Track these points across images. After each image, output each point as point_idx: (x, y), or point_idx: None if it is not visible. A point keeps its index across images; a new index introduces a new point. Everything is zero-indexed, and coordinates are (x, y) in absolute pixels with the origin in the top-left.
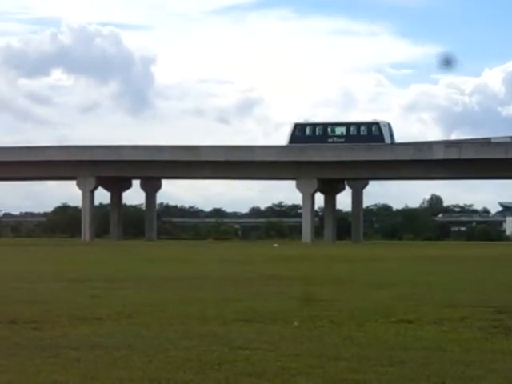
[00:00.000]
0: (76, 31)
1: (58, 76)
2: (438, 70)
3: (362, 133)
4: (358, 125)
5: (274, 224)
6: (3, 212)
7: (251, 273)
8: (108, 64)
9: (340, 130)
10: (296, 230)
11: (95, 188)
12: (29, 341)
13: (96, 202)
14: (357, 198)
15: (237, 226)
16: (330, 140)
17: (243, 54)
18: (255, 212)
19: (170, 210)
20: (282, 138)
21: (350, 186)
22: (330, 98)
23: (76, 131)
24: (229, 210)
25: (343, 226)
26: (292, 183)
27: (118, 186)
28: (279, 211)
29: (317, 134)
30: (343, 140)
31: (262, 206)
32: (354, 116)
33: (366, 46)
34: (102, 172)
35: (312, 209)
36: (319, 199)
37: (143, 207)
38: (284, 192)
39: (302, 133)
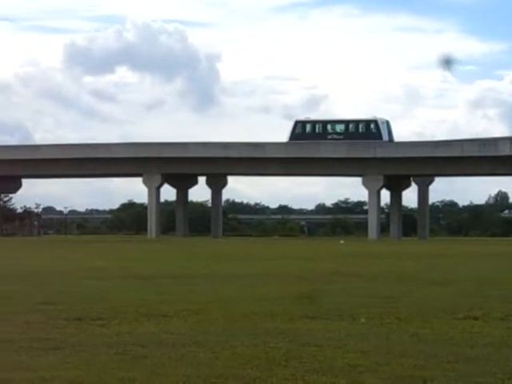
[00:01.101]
0: (141, 28)
1: (122, 73)
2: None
3: (360, 130)
4: (357, 122)
5: (339, 221)
6: (69, 209)
7: (318, 269)
8: (173, 61)
9: (339, 128)
10: (362, 227)
11: (161, 185)
12: (95, 338)
13: (161, 199)
14: (423, 195)
15: (303, 223)
16: (330, 137)
17: (308, 50)
18: (321, 208)
19: (235, 207)
20: None
21: (416, 183)
22: (395, 95)
23: (141, 128)
24: (295, 206)
25: (409, 223)
26: (358, 179)
27: (183, 182)
28: (345, 208)
29: (316, 131)
30: (342, 137)
31: (328, 203)
32: (420, 112)
33: (432, 42)
34: (168, 169)
35: (378, 205)
36: (385, 196)
37: (209, 204)
38: (350, 188)
39: (302, 130)
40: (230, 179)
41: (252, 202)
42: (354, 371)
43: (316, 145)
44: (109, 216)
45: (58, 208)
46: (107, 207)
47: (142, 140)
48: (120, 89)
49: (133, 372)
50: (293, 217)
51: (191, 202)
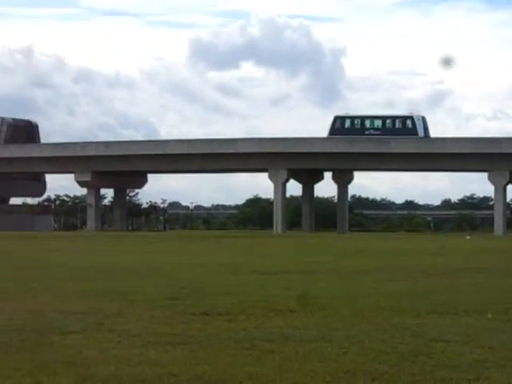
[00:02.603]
0: (265, 23)
1: (247, 68)
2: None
3: (396, 126)
4: (394, 118)
5: (465, 216)
6: (195, 204)
7: (444, 265)
8: (298, 56)
9: (377, 123)
10: (488, 223)
11: (287, 180)
12: (223, 332)
13: (287, 194)
14: None
15: (429, 219)
16: (367, 132)
17: (432, 45)
18: (447, 204)
19: (361, 202)
20: (473, 129)
21: None
22: None
23: (266, 123)
24: (421, 202)
25: None
26: (483, 175)
27: (309, 177)
28: (471, 203)
29: (355, 126)
30: (379, 133)
31: (454, 198)
32: None
33: None
34: (293, 164)
35: (504, 201)
36: (511, 191)
37: (335, 199)
38: (475, 184)
39: (341, 125)
40: (356, 174)
41: (378, 198)
42: (482, 366)
43: (441, 140)
44: (234, 211)
45: (184, 203)
46: (233, 202)
47: (266, 135)
48: (245, 84)
49: (261, 367)
50: (419, 212)
51: (317, 198)
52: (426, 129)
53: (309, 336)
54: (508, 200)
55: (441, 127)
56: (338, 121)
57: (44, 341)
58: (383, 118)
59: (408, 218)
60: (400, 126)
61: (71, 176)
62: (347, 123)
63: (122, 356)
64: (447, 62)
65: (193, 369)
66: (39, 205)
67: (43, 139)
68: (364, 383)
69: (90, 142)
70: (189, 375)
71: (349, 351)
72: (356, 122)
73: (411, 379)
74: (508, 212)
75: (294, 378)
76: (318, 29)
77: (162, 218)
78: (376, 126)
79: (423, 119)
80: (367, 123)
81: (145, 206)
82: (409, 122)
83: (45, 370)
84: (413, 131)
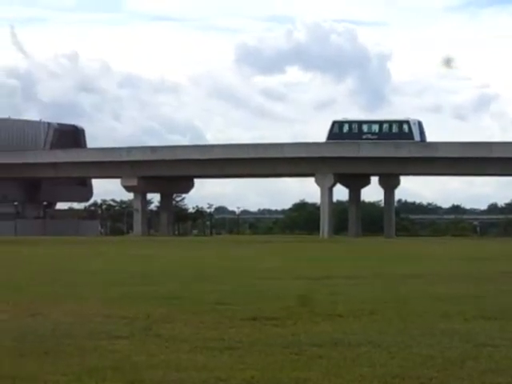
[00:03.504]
0: (311, 28)
1: (293, 73)
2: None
3: (393, 130)
4: (390, 123)
5: None
6: (241, 209)
7: (492, 270)
8: (343, 60)
9: (374, 128)
10: None
11: (334, 185)
12: (270, 337)
13: (333, 199)
14: None
15: (475, 223)
16: (365, 137)
17: (479, 50)
18: (493, 208)
19: (407, 207)
20: None
21: None
22: None
23: (311, 128)
24: (467, 206)
25: None
26: None
27: (356, 182)
28: None
29: (353, 131)
30: (376, 137)
31: (500, 202)
32: None
33: None
34: (340, 169)
35: None
36: None
37: (381, 204)
38: None
39: (339, 130)
40: (403, 179)
41: (424, 202)
42: None
43: (488, 144)
44: (281, 216)
45: (230, 208)
46: (279, 207)
47: (312, 139)
48: (290, 88)
49: (309, 372)
50: (465, 217)
51: (363, 202)
52: (422, 133)
53: (357, 341)
54: None
55: (487, 131)
56: (336, 125)
57: (92, 345)
58: (380, 123)
59: (454, 222)
60: (397, 130)
61: (117, 181)
62: (345, 128)
63: (170, 361)
64: (448, 63)
65: (241, 374)
66: (85, 210)
67: (89, 144)
68: None
69: (136, 147)
70: (237, 380)
71: (397, 356)
72: (353, 126)
73: None
74: None
75: (342, 383)
76: (363, 33)
77: (208, 222)
78: (373, 130)
79: (419, 124)
80: (364, 128)
81: (191, 210)
82: (405, 127)
83: (93, 374)
84: (409, 136)
